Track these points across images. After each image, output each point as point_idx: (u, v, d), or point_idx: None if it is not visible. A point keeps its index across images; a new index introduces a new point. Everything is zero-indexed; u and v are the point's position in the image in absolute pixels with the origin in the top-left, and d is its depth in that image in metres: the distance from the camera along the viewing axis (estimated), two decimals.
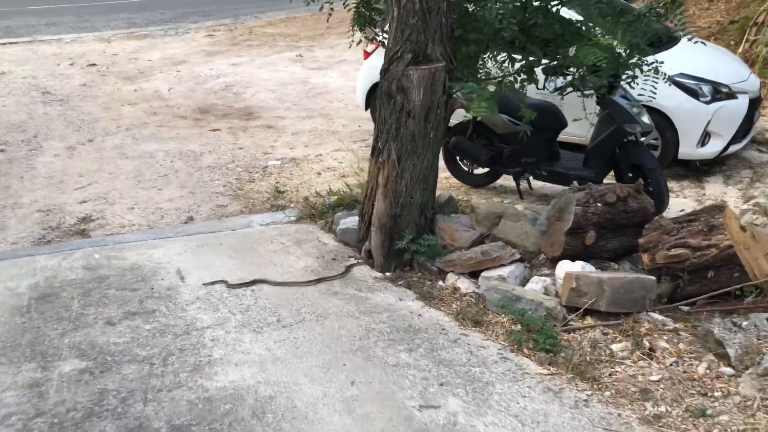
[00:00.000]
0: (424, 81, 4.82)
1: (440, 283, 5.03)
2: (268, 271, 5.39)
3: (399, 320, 4.49)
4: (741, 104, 7.70)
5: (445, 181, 7.74)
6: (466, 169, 7.65)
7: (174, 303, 4.85)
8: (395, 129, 4.96)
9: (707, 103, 7.49)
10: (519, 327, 4.27)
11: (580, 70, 5.31)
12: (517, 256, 4.94)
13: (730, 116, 7.59)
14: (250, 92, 12.00)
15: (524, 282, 4.87)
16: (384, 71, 4.98)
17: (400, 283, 5.12)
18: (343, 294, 4.93)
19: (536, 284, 4.69)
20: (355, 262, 5.57)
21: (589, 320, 4.27)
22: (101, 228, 6.67)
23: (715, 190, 7.53)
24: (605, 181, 6.68)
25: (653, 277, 4.30)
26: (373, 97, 9.46)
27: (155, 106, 11.14)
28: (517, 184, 7.29)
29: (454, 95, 4.93)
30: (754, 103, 7.98)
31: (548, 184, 7.57)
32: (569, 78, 5.84)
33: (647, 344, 3.88)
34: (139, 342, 4.28)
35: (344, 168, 8.43)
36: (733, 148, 7.85)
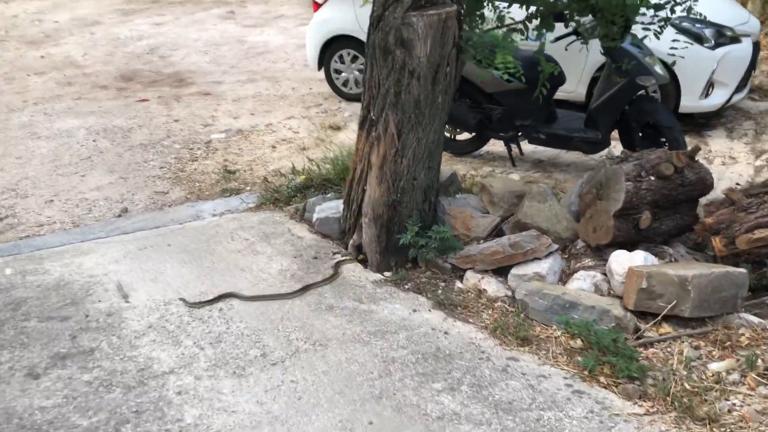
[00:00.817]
0: (431, 31, 3.72)
1: (458, 284, 4.03)
2: (236, 281, 4.26)
3: (422, 342, 3.47)
4: (746, 49, 6.93)
5: None
6: (447, 135, 6.60)
7: (119, 336, 3.68)
8: (394, 94, 3.86)
9: (711, 48, 6.67)
10: (579, 343, 3.32)
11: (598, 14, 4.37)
12: (555, 246, 3.98)
13: (736, 63, 6.82)
14: (178, 55, 10.53)
15: (563, 278, 3.92)
16: (377, 19, 3.85)
17: (407, 286, 4.09)
18: (341, 307, 3.87)
19: (583, 281, 3.76)
20: (342, 259, 4.49)
21: (666, 328, 3.37)
22: (12, 229, 5.34)
23: (720, 145, 6.76)
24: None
25: (744, 270, 3.43)
26: (326, 54, 8.28)
27: (69, 75, 9.56)
28: (509, 150, 6.33)
29: (467, 49, 3.85)
30: (755, 48, 7.24)
31: (540, 149, 6.65)
32: (573, 25, 4.91)
33: (761, 362, 3.00)
34: (76, 404, 3.12)
35: (302, 139, 7.26)
36: (735, 98, 7.12)
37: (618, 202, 3.81)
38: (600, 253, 4.01)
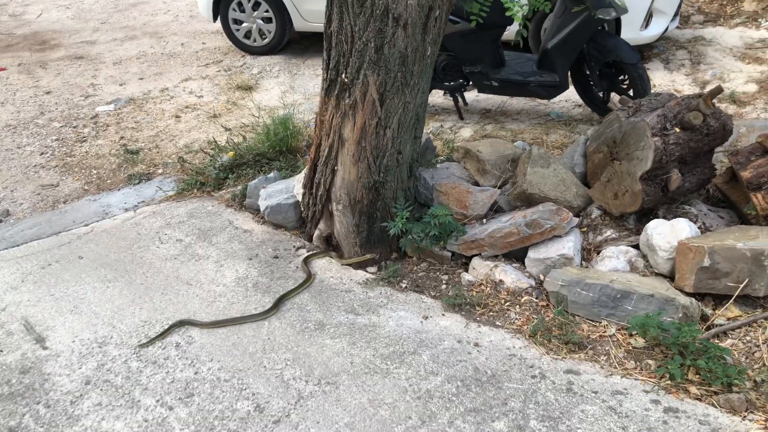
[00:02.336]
0: None
1: (465, 276, 3.35)
2: (185, 300, 3.35)
3: (453, 363, 2.78)
4: None
5: None
6: None
7: (47, 403, 2.72)
8: (375, 49, 3.02)
9: None
10: (641, 341, 2.75)
11: None
12: (575, 221, 3.37)
13: None
14: (33, 11, 8.88)
15: (585, 256, 3.34)
16: None
17: (403, 285, 3.36)
18: (334, 324, 3.08)
19: (616, 260, 3.18)
20: (310, 254, 3.68)
21: (734, 311, 2.86)
22: None
23: (661, 79, 6.41)
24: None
25: None
26: (222, 2, 7.14)
27: None
28: (456, 102, 5.66)
29: None
30: None
31: (483, 97, 6.02)
32: None
33: None
34: None
35: (209, 104, 6.20)
36: (671, 27, 6.81)
37: (646, 162, 3.23)
38: (621, 221, 3.46)
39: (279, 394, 2.66)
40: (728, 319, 2.84)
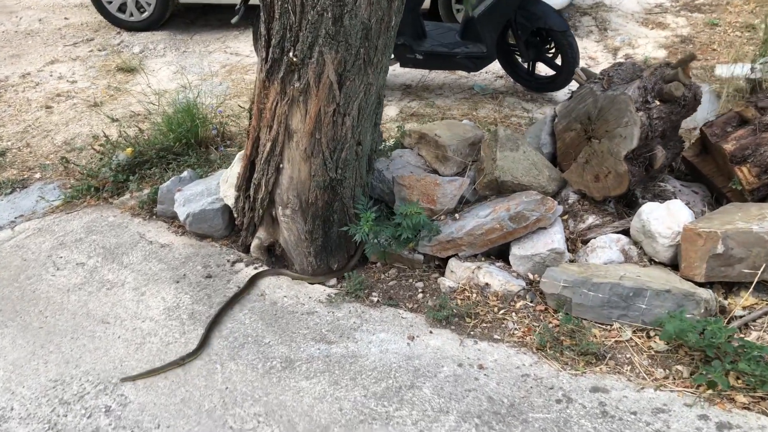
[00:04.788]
0: None
1: (444, 282, 2.91)
2: (106, 345, 2.67)
3: (462, 395, 2.33)
4: None
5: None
6: None
7: None
8: (332, 20, 2.45)
9: None
10: (661, 344, 2.45)
11: None
12: (560, 209, 3.00)
13: None
14: None
15: (568, 247, 3.00)
16: None
17: (374, 299, 2.87)
18: (304, 358, 2.54)
19: (609, 250, 2.86)
20: (258, 272, 3.09)
21: (748, 298, 2.61)
22: None
23: None
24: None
25: None
26: None
27: None
28: None
29: None
30: None
31: (401, 71, 5.57)
32: None
33: None
34: None
35: (86, 90, 5.31)
36: None
37: (631, 140, 2.92)
38: (601, 206, 3.14)
39: None
40: (744, 308, 2.59)
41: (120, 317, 2.83)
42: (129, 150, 3.97)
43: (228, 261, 3.20)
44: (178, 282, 3.05)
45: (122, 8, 6.21)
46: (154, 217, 3.59)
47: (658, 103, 3.05)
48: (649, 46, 6.18)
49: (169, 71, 5.58)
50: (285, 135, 2.77)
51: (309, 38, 2.51)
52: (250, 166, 3.02)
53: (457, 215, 3.03)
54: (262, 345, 2.62)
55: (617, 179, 2.98)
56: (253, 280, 2.99)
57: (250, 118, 2.94)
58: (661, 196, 3.19)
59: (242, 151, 3.37)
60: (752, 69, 4.57)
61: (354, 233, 2.86)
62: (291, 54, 2.57)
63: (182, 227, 3.45)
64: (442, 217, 3.05)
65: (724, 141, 3.08)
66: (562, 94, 5.19)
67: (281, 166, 2.86)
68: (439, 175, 3.30)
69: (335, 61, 2.55)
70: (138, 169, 3.92)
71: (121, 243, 3.37)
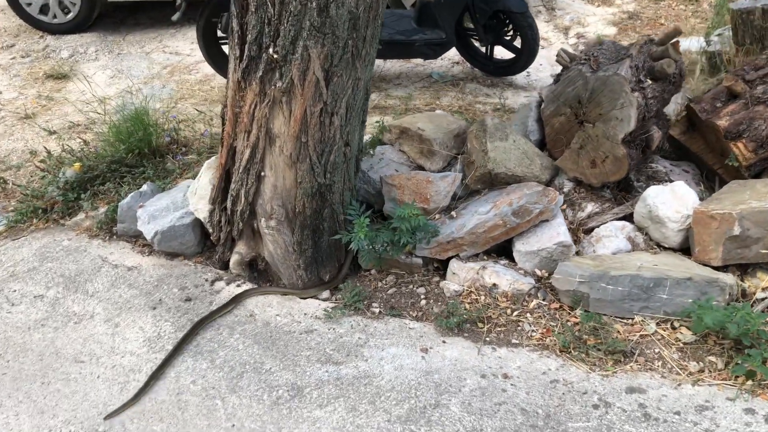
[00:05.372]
0: None
1: (448, 285, 2.74)
2: (85, 387, 2.38)
3: (493, 409, 2.17)
4: None
5: (205, 85, 4.92)
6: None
7: None
8: (317, 10, 2.22)
9: None
10: (688, 334, 2.35)
11: None
12: (561, 199, 2.87)
13: None
14: None
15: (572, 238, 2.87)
16: None
17: (375, 309, 2.67)
18: (313, 383, 2.32)
19: (616, 238, 2.75)
20: (243, 291, 2.84)
21: (764, 278, 2.54)
22: None
23: None
24: None
25: None
26: None
27: None
28: None
29: None
30: None
31: None
32: None
33: None
34: None
35: (14, 101, 4.89)
36: None
37: (628, 122, 2.80)
38: (598, 192, 3.02)
39: None
40: (763, 289, 2.52)
41: (95, 354, 2.53)
42: (77, 165, 3.61)
43: (206, 280, 2.93)
44: (154, 308, 2.76)
45: (44, 10, 5.72)
46: (115, 237, 3.27)
47: (650, 81, 2.95)
48: (599, 24, 6.16)
49: (105, 76, 5.18)
50: (266, 140, 2.53)
51: (291, 32, 2.27)
52: (225, 177, 2.75)
53: (453, 213, 2.85)
54: (262, 372, 2.38)
55: (616, 164, 2.87)
56: (234, 302, 2.73)
57: (224, 124, 2.67)
58: (655, 178, 3.10)
59: (210, 160, 3.10)
60: (708, 42, 4.56)
61: (347, 241, 2.64)
62: (271, 50, 2.32)
63: (148, 246, 3.15)
64: (437, 216, 2.87)
65: (717, 117, 3.01)
66: (521, 78, 5.09)
67: (263, 174, 2.61)
68: (425, 171, 3.12)
69: (321, 56, 2.32)
70: (89, 185, 3.57)
71: (82, 269, 3.05)
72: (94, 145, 3.84)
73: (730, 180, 2.91)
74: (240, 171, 2.65)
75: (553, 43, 5.87)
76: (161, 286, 2.90)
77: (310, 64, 2.33)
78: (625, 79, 2.81)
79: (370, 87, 2.64)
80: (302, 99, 2.39)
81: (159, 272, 2.99)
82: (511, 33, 4.89)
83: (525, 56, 4.81)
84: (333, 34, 2.29)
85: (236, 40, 2.42)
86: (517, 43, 4.83)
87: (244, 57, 2.40)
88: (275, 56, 2.32)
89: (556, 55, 3.19)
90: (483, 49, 5.02)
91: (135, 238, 3.24)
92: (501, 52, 5.00)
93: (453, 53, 5.31)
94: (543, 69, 5.21)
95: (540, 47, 4.98)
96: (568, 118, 3.04)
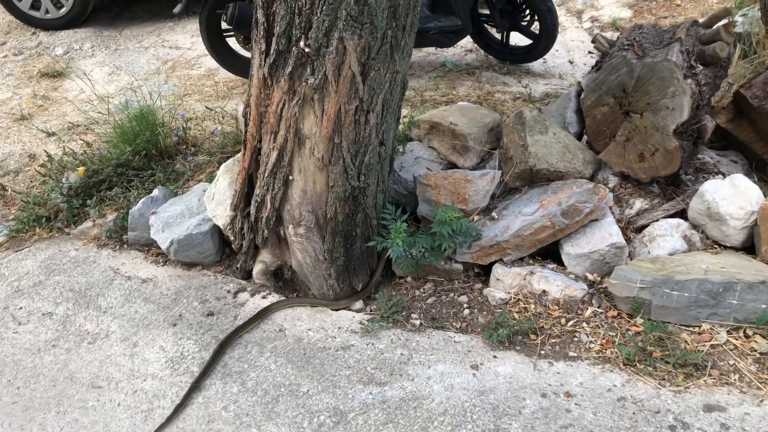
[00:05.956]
0: None
1: (493, 293, 2.53)
2: (104, 416, 2.17)
3: None
4: None
5: (209, 80, 4.68)
6: (247, 54, 4.73)
7: None
8: None
9: None
10: (764, 343, 2.16)
11: None
12: (611, 197, 2.66)
13: None
14: None
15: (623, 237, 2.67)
16: None
17: (415, 320, 2.46)
18: (357, 408, 2.12)
19: (671, 237, 2.56)
20: (270, 305, 2.63)
21: None
22: None
23: None
24: None
25: None
26: None
27: None
28: None
29: None
30: None
31: None
32: None
33: None
34: None
35: (8, 102, 4.66)
36: None
37: (681, 112, 2.60)
38: (646, 188, 2.82)
39: None
40: None
41: (114, 378, 2.32)
42: (81, 169, 3.38)
43: (228, 292, 2.72)
44: (175, 325, 2.55)
45: (36, 5, 5.46)
46: (126, 246, 3.05)
47: (701, 67, 2.74)
48: (613, 7, 5.94)
49: (102, 73, 4.94)
50: (295, 141, 2.31)
51: (325, 22, 2.05)
52: (248, 181, 2.54)
53: (494, 214, 2.64)
54: (300, 396, 2.17)
55: (666, 157, 2.67)
56: (261, 315, 2.53)
57: (246, 125, 2.45)
58: (704, 170, 2.91)
59: (228, 162, 2.88)
60: (733, 23, 4.36)
61: (383, 248, 2.43)
62: (302, 44, 2.10)
63: (163, 255, 2.93)
64: (476, 217, 2.66)
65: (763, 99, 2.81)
66: (538, 65, 4.88)
67: (291, 178, 2.39)
68: (457, 168, 2.91)
69: (358, 48, 2.10)
70: (95, 190, 3.35)
71: (92, 282, 2.83)
72: (97, 147, 3.62)
73: None
74: (266, 175, 2.43)
75: (566, 28, 5.66)
76: (180, 300, 2.69)
77: (345, 58, 2.11)
78: (676, 65, 2.61)
79: (407, 81, 2.43)
80: (336, 96, 2.18)
81: (176, 284, 2.78)
82: (528, 18, 4.68)
83: (544, 42, 4.60)
84: (371, 23, 2.07)
85: (262, 33, 2.20)
86: (534, 28, 4.62)
87: (271, 51, 2.18)
88: (307, 50, 2.11)
89: (593, 40, 2.98)
90: (498, 36, 4.81)
91: (147, 246, 3.02)
92: (516, 39, 4.80)
93: (466, 40, 5.11)
94: (559, 55, 5.00)
95: None
96: (611, 109, 2.84)
